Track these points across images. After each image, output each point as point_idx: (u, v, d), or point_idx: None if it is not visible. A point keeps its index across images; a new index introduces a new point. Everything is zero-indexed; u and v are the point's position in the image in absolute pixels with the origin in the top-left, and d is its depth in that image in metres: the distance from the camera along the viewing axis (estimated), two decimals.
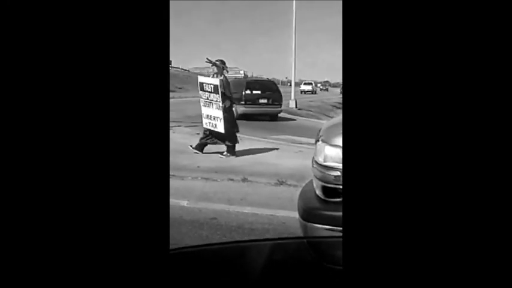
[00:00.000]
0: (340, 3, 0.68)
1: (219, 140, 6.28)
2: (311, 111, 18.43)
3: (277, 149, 7.13)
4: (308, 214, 2.33)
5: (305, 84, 45.94)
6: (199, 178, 4.93)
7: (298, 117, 15.54)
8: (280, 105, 13.83)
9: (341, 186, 2.21)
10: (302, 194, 2.58)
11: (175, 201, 3.90)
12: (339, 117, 3.09)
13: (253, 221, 3.60)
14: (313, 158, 2.48)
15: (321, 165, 2.35)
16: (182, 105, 12.28)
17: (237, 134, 6.43)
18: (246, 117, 11.45)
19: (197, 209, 3.88)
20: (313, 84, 48.19)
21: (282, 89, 15.31)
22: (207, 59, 6.30)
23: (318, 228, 2.21)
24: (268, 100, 13.41)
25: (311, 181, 2.55)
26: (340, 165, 2.23)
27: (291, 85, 20.38)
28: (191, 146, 6.41)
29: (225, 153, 6.22)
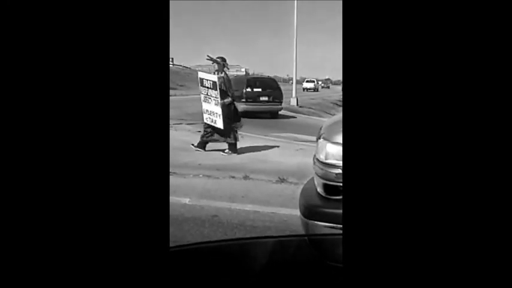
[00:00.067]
0: (340, 3, 0.68)
1: (220, 136, 6.28)
2: (312, 108, 18.43)
3: (278, 146, 7.13)
4: (309, 212, 2.33)
5: (307, 81, 46.30)
6: (201, 176, 4.94)
7: (299, 114, 15.54)
8: (281, 102, 13.83)
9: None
10: (303, 192, 2.58)
11: (177, 199, 3.91)
12: (340, 115, 3.09)
13: (254, 218, 3.61)
14: (315, 155, 2.48)
15: (322, 162, 2.35)
16: (183, 103, 12.29)
17: (238, 131, 6.43)
18: (246, 114, 11.48)
19: (199, 206, 3.89)
20: (315, 82, 48.41)
21: (283, 86, 15.32)
22: (208, 56, 6.32)
23: (319, 225, 2.22)
24: (268, 98, 13.41)
25: (312, 179, 2.55)
26: (342, 163, 2.23)
27: (292, 83, 20.38)
28: (193, 145, 6.41)
29: (227, 150, 6.22)
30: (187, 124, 9.26)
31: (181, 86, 27.81)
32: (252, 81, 14.06)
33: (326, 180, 2.32)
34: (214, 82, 6.16)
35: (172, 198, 3.76)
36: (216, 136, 6.32)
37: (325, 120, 3.03)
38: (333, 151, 2.30)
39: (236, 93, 7.57)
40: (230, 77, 6.74)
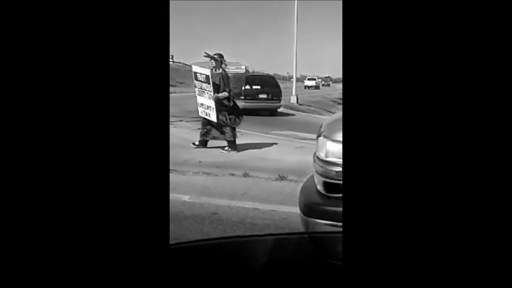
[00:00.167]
0: (340, 2, 0.68)
1: (220, 133, 6.29)
2: (312, 106, 18.43)
3: (278, 144, 7.13)
4: (309, 209, 2.33)
5: (309, 79, 46.62)
6: (201, 173, 4.94)
7: (299, 112, 15.54)
8: (280, 100, 13.84)
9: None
10: (303, 189, 2.58)
11: (177, 196, 3.91)
12: (340, 113, 3.09)
13: (254, 216, 3.61)
14: (315, 153, 2.48)
15: (322, 160, 2.35)
16: (183, 100, 12.28)
17: (237, 129, 6.44)
18: (245, 112, 11.48)
19: (198, 203, 3.89)
20: (317, 80, 48.58)
21: (283, 84, 15.32)
22: (205, 53, 6.33)
23: (319, 223, 2.22)
24: (267, 95, 13.41)
25: (312, 176, 2.55)
26: (342, 161, 2.23)
27: (292, 80, 20.39)
28: (193, 143, 6.42)
29: (226, 148, 6.23)
30: (187, 121, 9.26)
31: (181, 83, 27.78)
32: (251, 78, 14.05)
33: (326, 178, 2.32)
34: (207, 76, 6.24)
35: (172, 196, 3.76)
36: (215, 133, 6.33)
37: (325, 118, 3.03)
38: (333, 149, 2.30)
39: (235, 91, 7.58)
40: (229, 74, 6.75)
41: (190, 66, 7.49)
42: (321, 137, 2.42)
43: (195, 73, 6.56)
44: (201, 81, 6.42)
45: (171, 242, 0.74)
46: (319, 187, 2.38)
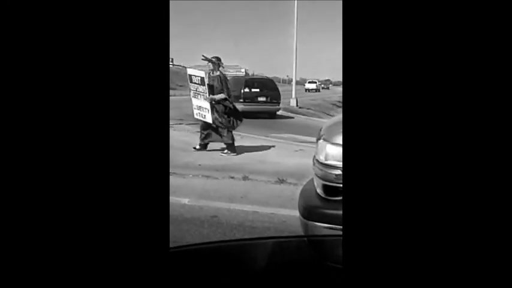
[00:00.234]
0: (341, 3, 0.68)
1: (218, 136, 6.30)
2: (311, 109, 18.43)
3: (277, 147, 7.13)
4: (309, 212, 2.33)
5: (309, 82, 47.08)
6: (200, 176, 4.94)
7: (298, 115, 15.55)
8: (279, 103, 13.88)
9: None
10: (303, 193, 2.58)
11: (177, 199, 3.90)
12: (340, 116, 3.09)
13: (253, 219, 3.60)
14: (314, 156, 2.48)
15: (322, 163, 2.35)
16: (183, 103, 12.27)
17: (237, 132, 6.45)
18: (244, 114, 11.50)
19: (198, 206, 3.88)
20: (317, 83, 48.88)
21: (283, 87, 15.36)
22: (203, 56, 6.35)
23: (319, 226, 2.21)
24: (266, 98, 13.45)
25: (312, 179, 2.55)
26: (341, 164, 2.23)
27: (292, 83, 20.41)
28: (194, 148, 6.43)
29: (226, 151, 6.23)
30: (187, 124, 9.26)
31: (181, 86, 27.77)
32: (250, 81, 14.11)
33: (326, 181, 2.32)
34: (202, 78, 6.28)
35: (172, 199, 3.76)
36: (213, 136, 6.35)
37: (325, 121, 3.03)
38: (333, 152, 2.30)
39: (235, 94, 7.58)
40: (229, 77, 6.78)
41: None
42: (321, 140, 2.42)
43: (190, 76, 6.59)
44: (196, 83, 6.44)
45: (170, 245, 0.73)
46: (319, 190, 2.38)
